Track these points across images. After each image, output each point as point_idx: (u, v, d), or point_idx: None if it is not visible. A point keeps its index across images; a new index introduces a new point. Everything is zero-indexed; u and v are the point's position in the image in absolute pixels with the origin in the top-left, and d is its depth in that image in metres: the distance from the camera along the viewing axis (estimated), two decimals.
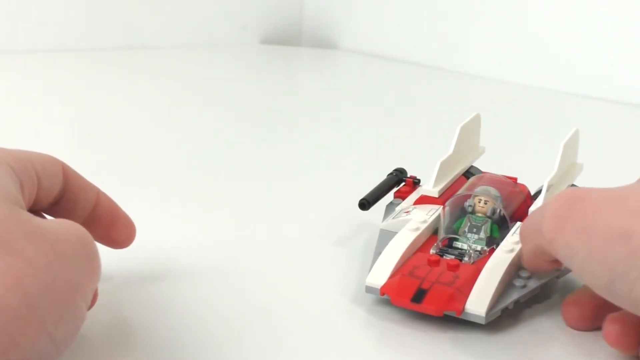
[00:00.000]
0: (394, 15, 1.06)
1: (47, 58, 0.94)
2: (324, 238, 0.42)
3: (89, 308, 0.27)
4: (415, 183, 0.43)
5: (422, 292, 0.33)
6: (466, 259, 0.35)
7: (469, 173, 0.43)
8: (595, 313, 0.33)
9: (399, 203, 0.41)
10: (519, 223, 0.37)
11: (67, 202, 0.31)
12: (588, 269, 0.28)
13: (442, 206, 0.39)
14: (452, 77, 0.97)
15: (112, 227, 0.33)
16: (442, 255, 0.35)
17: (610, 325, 0.30)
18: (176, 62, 1.00)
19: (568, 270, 0.36)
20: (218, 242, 0.42)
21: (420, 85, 0.94)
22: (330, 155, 0.61)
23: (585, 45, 0.87)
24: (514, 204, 0.38)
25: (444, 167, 0.40)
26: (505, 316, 0.34)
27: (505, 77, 0.93)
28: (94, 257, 0.26)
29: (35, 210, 0.30)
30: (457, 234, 0.37)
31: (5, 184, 0.26)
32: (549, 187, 0.37)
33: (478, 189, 0.38)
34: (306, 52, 1.15)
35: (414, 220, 0.37)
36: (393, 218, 0.39)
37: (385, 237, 0.37)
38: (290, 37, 1.17)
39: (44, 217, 0.32)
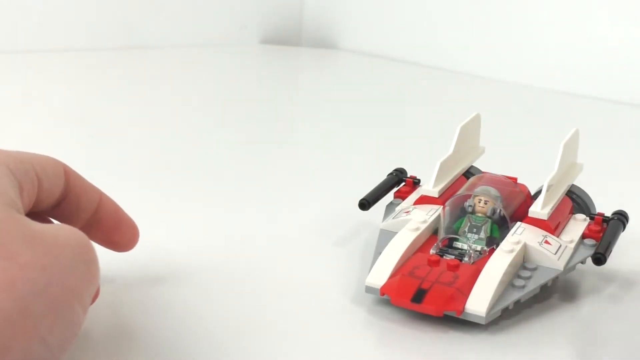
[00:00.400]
0: (394, 15, 1.06)
1: (47, 58, 0.94)
2: (324, 238, 0.42)
3: (91, 303, 0.27)
4: (415, 183, 0.43)
5: (422, 292, 0.32)
6: (466, 259, 0.35)
7: (469, 173, 0.43)
8: None
9: (399, 203, 0.41)
10: (519, 223, 0.37)
11: (69, 204, 0.31)
12: None
13: (442, 206, 0.39)
14: (452, 77, 0.97)
15: (115, 230, 0.33)
16: (442, 255, 0.35)
17: None
18: (176, 62, 1.00)
19: (568, 271, 0.36)
20: (218, 242, 0.42)
21: (420, 85, 0.94)
22: (330, 155, 0.61)
23: (585, 45, 0.87)
24: (514, 204, 0.38)
25: (444, 167, 0.40)
26: (505, 316, 0.34)
27: (505, 77, 0.93)
28: (92, 263, 0.26)
29: (37, 212, 0.30)
30: (457, 234, 0.37)
31: (3, 187, 0.26)
32: (549, 187, 0.37)
33: (478, 189, 0.38)
34: (306, 52, 1.15)
35: (414, 220, 0.37)
36: (393, 218, 0.39)
37: (385, 237, 0.37)
38: (290, 37, 1.17)
39: (49, 220, 0.32)
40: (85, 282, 0.25)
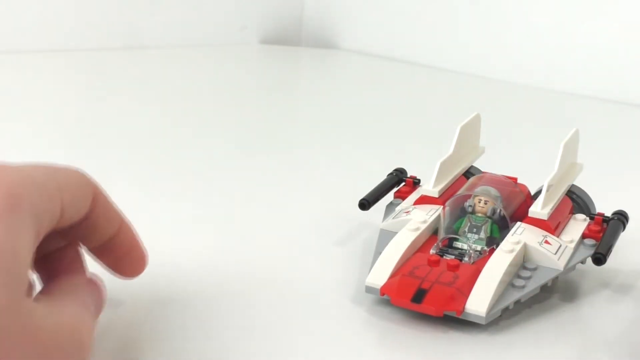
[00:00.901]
0: (394, 15, 1.06)
1: (47, 58, 0.94)
2: (324, 238, 0.42)
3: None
4: (415, 183, 0.43)
5: (422, 292, 0.32)
6: (466, 259, 0.35)
7: (469, 173, 0.43)
8: None
9: (399, 203, 0.41)
10: (519, 223, 0.37)
11: (86, 227, 0.29)
12: None
13: (442, 206, 0.39)
14: (452, 77, 0.97)
15: (124, 259, 0.32)
16: (442, 255, 0.35)
17: None
18: (176, 62, 1.00)
19: (568, 271, 0.36)
20: (219, 243, 0.42)
21: (420, 85, 0.94)
22: (330, 155, 0.61)
23: (585, 45, 0.87)
24: (514, 204, 0.38)
25: (444, 167, 0.40)
26: (505, 316, 0.34)
27: (505, 77, 0.93)
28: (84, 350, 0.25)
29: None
30: (457, 234, 0.37)
31: (18, 258, 0.24)
32: (549, 187, 0.37)
33: (478, 189, 0.38)
34: (306, 52, 1.15)
35: (414, 220, 0.37)
36: (393, 218, 0.39)
37: (385, 237, 0.37)
38: (290, 37, 1.16)
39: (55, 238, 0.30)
40: None
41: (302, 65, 1.10)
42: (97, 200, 0.29)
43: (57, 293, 0.28)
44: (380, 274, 0.34)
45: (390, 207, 0.42)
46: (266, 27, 1.14)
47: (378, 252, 0.36)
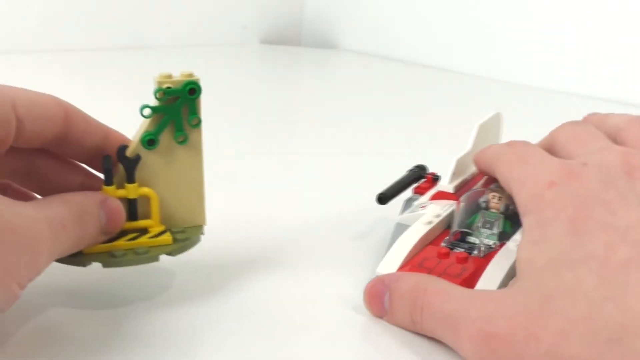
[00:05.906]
0: (394, 15, 1.07)
1: (47, 58, 0.94)
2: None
3: None
4: (434, 179, 0.44)
5: None
6: (475, 252, 0.36)
7: None
8: None
9: (418, 199, 0.42)
10: None
11: (68, 143, 0.31)
12: None
13: (456, 201, 0.39)
14: (452, 77, 0.97)
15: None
16: (452, 249, 0.36)
17: None
18: (176, 62, 1.00)
19: None
20: (228, 237, 0.42)
21: (420, 85, 0.94)
22: (329, 154, 0.61)
23: (585, 45, 0.88)
24: None
25: (461, 163, 0.41)
26: None
27: (505, 77, 0.93)
28: (38, 253, 0.27)
29: (27, 148, 0.30)
30: (470, 228, 0.37)
31: None
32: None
33: (492, 185, 0.38)
34: (306, 52, 1.15)
35: (428, 214, 0.38)
36: (409, 212, 0.39)
37: (400, 230, 0.38)
38: (290, 37, 1.17)
39: (54, 157, 0.32)
40: (26, 267, 0.26)
41: (302, 65, 1.10)
42: (70, 117, 0.31)
43: (43, 198, 0.29)
44: (391, 264, 0.35)
45: (409, 202, 0.42)
46: (266, 27, 1.15)
47: (392, 244, 0.36)
